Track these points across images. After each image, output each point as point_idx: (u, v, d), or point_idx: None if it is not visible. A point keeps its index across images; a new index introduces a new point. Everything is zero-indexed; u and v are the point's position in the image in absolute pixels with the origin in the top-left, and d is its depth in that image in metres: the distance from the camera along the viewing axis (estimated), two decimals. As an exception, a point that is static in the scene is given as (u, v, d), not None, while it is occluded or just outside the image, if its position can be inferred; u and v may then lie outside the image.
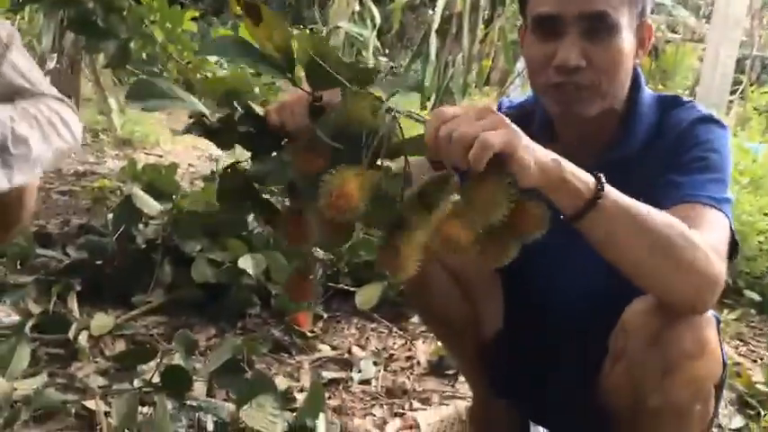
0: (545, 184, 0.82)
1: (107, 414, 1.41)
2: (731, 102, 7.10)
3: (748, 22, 8.13)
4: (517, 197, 0.79)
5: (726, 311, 2.50)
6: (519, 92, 5.05)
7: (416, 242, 0.81)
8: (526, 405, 1.38)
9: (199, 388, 1.54)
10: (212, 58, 2.57)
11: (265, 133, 0.96)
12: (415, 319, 2.16)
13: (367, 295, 2.09)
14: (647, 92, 1.19)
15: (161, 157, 4.46)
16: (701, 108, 1.17)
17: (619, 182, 0.90)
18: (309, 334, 2.01)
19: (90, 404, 1.47)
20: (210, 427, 1.43)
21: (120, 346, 1.85)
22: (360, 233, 1.97)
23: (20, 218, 1.59)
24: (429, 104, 4.68)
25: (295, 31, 0.88)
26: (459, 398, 1.74)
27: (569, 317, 1.22)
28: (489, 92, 6.77)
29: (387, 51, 8.54)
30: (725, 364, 1.08)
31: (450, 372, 1.87)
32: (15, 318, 1.83)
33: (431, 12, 5.57)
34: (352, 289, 2.19)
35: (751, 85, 8.00)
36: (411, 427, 1.55)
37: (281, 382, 1.69)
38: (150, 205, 2.19)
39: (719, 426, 1.70)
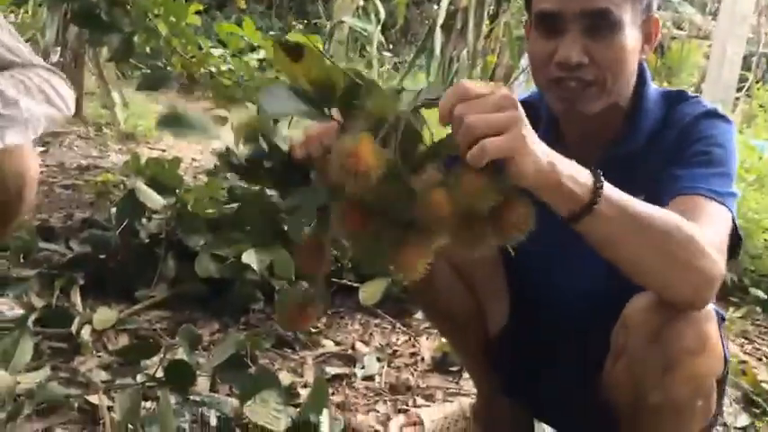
0: (540, 187, 0.81)
1: (110, 408, 1.40)
2: (737, 99, 7.08)
3: (755, 19, 8.10)
4: (507, 192, 0.77)
5: (731, 309, 2.49)
6: (523, 88, 5.03)
7: (429, 243, 0.79)
8: (530, 402, 1.38)
9: (202, 383, 1.54)
10: (216, 52, 2.56)
11: (292, 167, 0.95)
12: (419, 315, 2.16)
13: (371, 291, 2.09)
14: (653, 87, 1.18)
15: (164, 151, 4.45)
16: (706, 103, 1.16)
17: (623, 178, 0.89)
18: (313, 330, 2.00)
19: (93, 398, 1.46)
20: (214, 422, 1.43)
21: (124, 340, 1.85)
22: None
23: (19, 211, 1.57)
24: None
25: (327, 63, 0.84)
26: (464, 395, 1.74)
27: (571, 314, 1.21)
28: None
29: (391, 46, 8.52)
30: (726, 360, 1.08)
31: (454, 368, 1.87)
32: (18, 311, 1.83)
33: (435, 7, 5.57)
34: (355, 285, 2.19)
35: (757, 82, 7.99)
36: (415, 424, 1.55)
37: (285, 378, 1.68)
38: (153, 199, 2.18)
39: (725, 424, 1.69)
